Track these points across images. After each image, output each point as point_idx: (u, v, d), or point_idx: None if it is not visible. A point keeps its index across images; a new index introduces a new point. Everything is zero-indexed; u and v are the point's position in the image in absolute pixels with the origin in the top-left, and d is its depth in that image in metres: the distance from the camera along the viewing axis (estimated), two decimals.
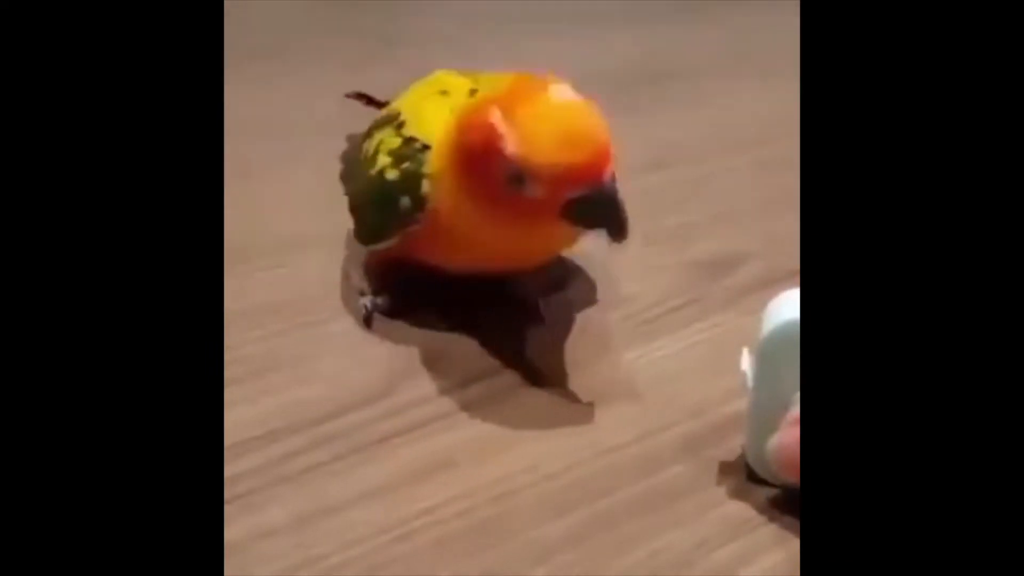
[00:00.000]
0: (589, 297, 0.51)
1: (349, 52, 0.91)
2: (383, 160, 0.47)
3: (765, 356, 0.36)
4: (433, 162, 0.44)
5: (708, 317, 0.50)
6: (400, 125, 0.47)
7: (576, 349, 0.47)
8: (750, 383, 0.36)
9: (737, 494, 0.37)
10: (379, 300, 0.49)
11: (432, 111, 0.46)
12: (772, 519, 0.36)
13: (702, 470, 0.38)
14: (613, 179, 0.40)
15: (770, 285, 0.38)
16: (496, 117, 0.40)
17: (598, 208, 0.40)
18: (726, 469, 0.38)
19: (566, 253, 0.54)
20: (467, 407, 0.42)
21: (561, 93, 0.41)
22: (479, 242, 0.44)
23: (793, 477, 0.35)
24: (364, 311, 0.48)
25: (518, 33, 0.99)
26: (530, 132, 0.40)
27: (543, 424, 0.41)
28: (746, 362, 0.37)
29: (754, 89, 0.92)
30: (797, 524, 0.35)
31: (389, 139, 0.47)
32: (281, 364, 0.45)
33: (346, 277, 0.51)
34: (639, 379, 0.44)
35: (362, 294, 0.49)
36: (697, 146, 0.76)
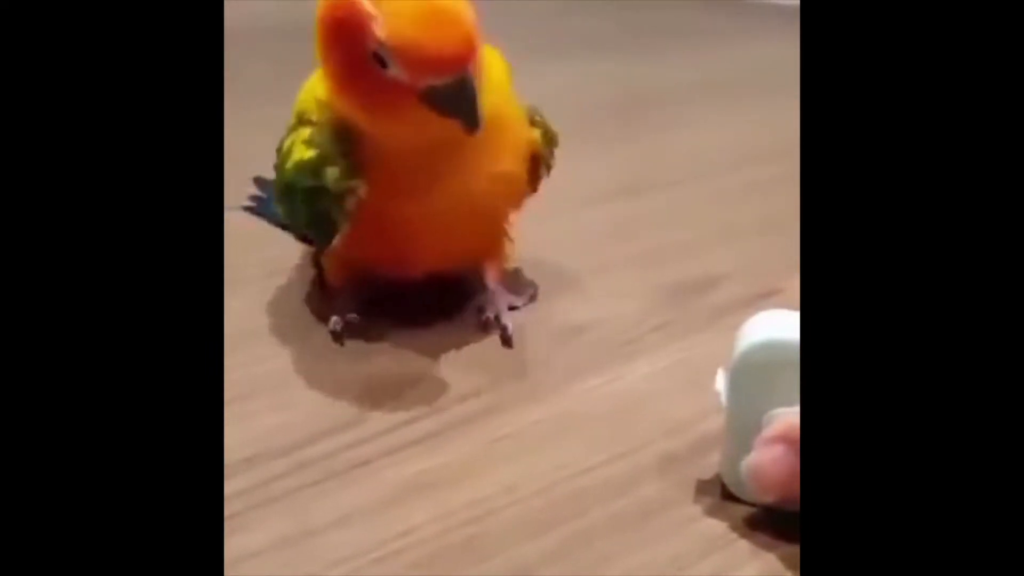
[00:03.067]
0: (565, 319, 0.52)
1: None
2: (299, 148, 0.47)
3: (738, 376, 0.36)
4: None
5: (683, 338, 0.50)
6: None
7: (553, 370, 0.47)
8: (724, 403, 0.37)
9: (713, 511, 0.37)
10: (349, 317, 0.49)
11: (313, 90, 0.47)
12: (747, 535, 0.36)
13: (678, 488, 0.39)
14: (476, 69, 0.41)
15: (744, 306, 0.38)
16: None
17: (455, 99, 0.41)
18: (702, 487, 0.39)
19: (543, 275, 0.55)
20: (444, 430, 0.42)
21: None
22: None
23: (767, 497, 0.36)
24: (335, 329, 0.49)
25: None
26: (396, 12, 0.40)
27: (521, 445, 0.42)
28: (721, 382, 0.37)
29: (725, 117, 0.94)
30: (773, 540, 0.36)
31: (300, 133, 0.48)
32: (262, 390, 0.45)
33: (318, 301, 0.52)
34: (616, 399, 0.45)
35: (332, 314, 0.50)
36: (672, 172, 0.78)
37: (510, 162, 0.48)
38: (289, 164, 0.47)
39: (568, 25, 1.46)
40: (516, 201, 0.51)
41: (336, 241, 0.47)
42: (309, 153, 0.46)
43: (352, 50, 0.42)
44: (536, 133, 0.50)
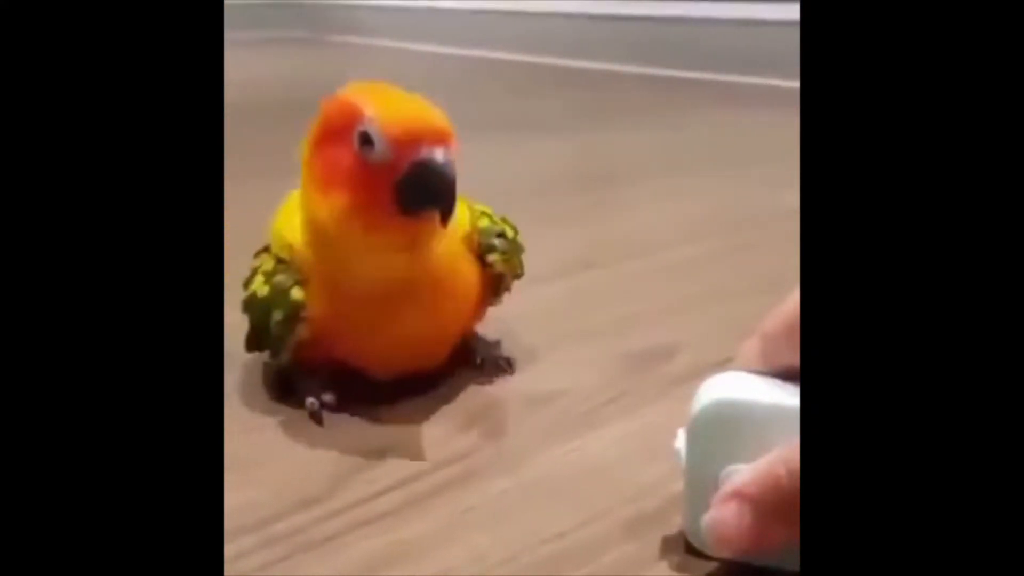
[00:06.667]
0: (529, 390, 0.53)
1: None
2: (258, 280, 0.50)
3: (695, 435, 0.37)
4: (300, 264, 0.49)
5: (642, 406, 0.51)
6: (267, 249, 0.52)
7: (519, 440, 0.48)
8: (683, 461, 0.38)
9: (679, 569, 0.38)
10: (325, 398, 0.50)
11: (285, 223, 0.50)
12: None
13: (645, 550, 0.39)
14: (452, 156, 0.44)
15: (699, 375, 0.40)
16: (354, 95, 0.45)
17: (432, 178, 0.43)
18: (667, 546, 0.39)
19: (505, 347, 0.56)
20: (411, 503, 0.43)
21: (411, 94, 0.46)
22: (352, 263, 0.47)
23: (726, 552, 0.37)
24: (312, 409, 0.50)
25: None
26: (383, 103, 0.45)
27: (487, 515, 0.42)
28: (681, 441, 0.38)
29: (676, 193, 0.96)
30: None
31: (265, 263, 0.51)
32: (230, 466, 0.45)
33: (290, 380, 0.53)
34: (579, 468, 0.46)
35: (307, 395, 0.51)
36: (626, 247, 0.80)
37: (460, 300, 0.52)
38: (247, 291, 0.51)
39: (523, 106, 1.50)
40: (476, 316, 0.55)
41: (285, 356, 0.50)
42: (264, 289, 0.50)
43: (340, 137, 0.45)
44: (494, 258, 0.53)
